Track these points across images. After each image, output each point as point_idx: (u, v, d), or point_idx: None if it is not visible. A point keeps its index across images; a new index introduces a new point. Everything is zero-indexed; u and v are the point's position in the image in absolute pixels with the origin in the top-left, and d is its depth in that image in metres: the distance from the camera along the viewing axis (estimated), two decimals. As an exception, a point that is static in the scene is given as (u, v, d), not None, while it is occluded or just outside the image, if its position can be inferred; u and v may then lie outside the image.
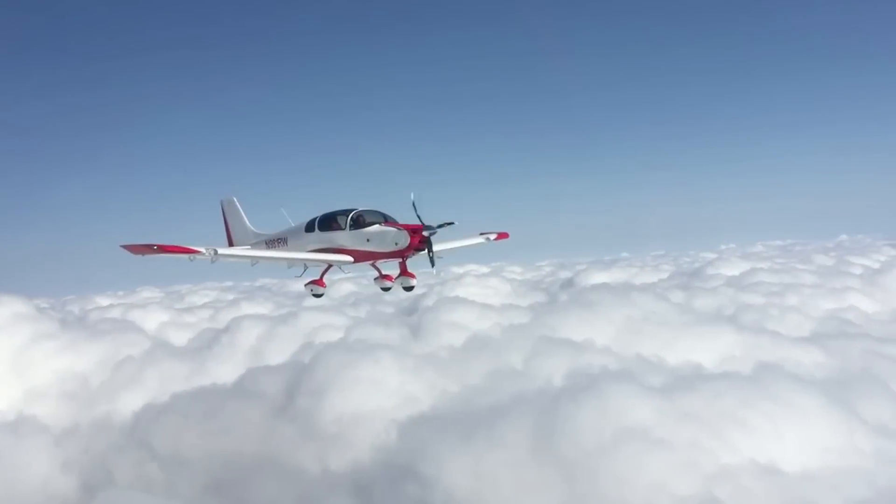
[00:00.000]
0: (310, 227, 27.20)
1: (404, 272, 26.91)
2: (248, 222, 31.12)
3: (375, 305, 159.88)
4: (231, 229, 31.51)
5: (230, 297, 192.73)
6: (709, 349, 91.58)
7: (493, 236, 30.87)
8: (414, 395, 78.45)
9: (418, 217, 24.41)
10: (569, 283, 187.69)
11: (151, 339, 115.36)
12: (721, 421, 58.74)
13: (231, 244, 31.28)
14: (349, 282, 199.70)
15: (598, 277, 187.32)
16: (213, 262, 24.43)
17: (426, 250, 24.94)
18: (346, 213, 26.28)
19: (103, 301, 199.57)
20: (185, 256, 23.42)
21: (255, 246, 29.83)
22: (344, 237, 26.12)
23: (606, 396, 61.18)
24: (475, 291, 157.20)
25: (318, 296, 27.88)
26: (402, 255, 25.78)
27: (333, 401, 77.36)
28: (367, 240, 25.62)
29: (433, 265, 25.41)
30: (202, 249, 23.65)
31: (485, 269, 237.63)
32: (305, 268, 27.67)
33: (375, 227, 25.55)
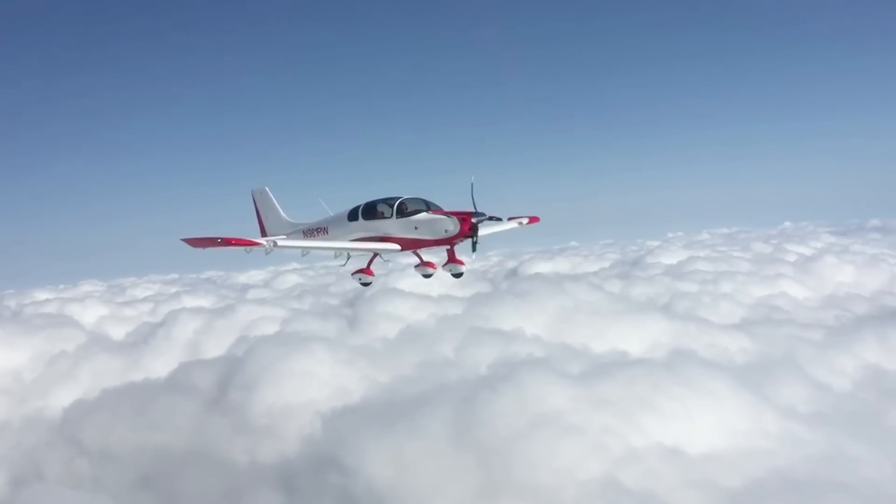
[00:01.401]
0: (353, 216, 26.87)
1: (453, 259, 26.68)
2: (282, 212, 30.74)
3: (320, 297, 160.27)
4: (264, 219, 31.06)
5: (173, 289, 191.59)
6: (637, 337, 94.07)
7: (525, 220, 30.31)
8: (345, 386, 79.41)
9: (473, 202, 24.41)
10: (513, 273, 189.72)
11: (88, 333, 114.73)
12: (634, 406, 60.76)
13: (263, 234, 30.98)
14: (295, 273, 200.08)
15: (543, 267, 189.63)
16: (267, 253, 24.40)
17: (472, 237, 24.84)
18: (391, 200, 26.08)
19: (41, 295, 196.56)
20: (243, 248, 23.48)
21: (290, 235, 29.57)
22: (391, 225, 25.83)
23: (525, 384, 62.88)
24: (419, 282, 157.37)
25: (366, 284, 27.83)
26: (450, 242, 25.53)
27: (265, 394, 78.01)
28: (416, 227, 25.40)
29: (475, 251, 25.25)
30: (263, 241, 23.77)
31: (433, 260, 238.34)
32: (349, 256, 27.43)
33: (423, 215, 25.32)
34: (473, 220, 24.31)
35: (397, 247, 25.90)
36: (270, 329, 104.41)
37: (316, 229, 28.34)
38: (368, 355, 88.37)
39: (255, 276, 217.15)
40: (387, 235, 25.86)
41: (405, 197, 25.86)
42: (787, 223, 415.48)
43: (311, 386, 78.80)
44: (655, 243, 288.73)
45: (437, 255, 27.40)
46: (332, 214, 28.07)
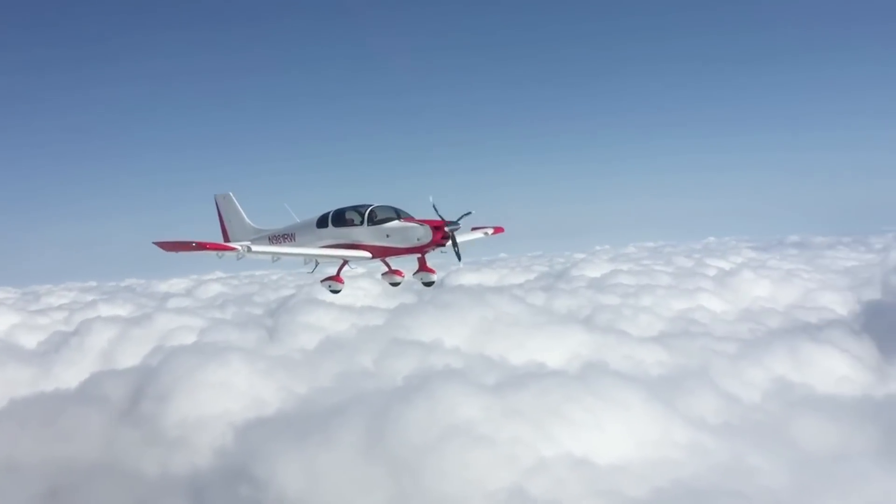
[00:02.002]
0: (322, 223, 26.46)
1: (424, 268, 26.55)
2: (246, 218, 30.15)
3: (243, 307, 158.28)
4: (227, 225, 30.44)
5: (90, 297, 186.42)
6: (556, 349, 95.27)
7: (490, 231, 29.98)
8: (261, 397, 78.59)
9: (439, 216, 24.24)
10: (440, 284, 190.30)
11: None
12: (546, 417, 61.69)
13: (226, 240, 30.15)
14: (218, 283, 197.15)
15: (469, 279, 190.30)
16: (239, 258, 24.07)
17: (452, 245, 24.69)
18: (361, 208, 25.83)
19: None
20: (214, 253, 23.33)
21: (255, 241, 28.47)
22: (361, 233, 25.53)
23: (439, 395, 63.25)
24: (344, 293, 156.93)
25: (336, 291, 27.68)
26: (421, 250, 25.37)
27: (178, 405, 76.69)
28: (387, 235, 25.16)
29: (460, 259, 25.09)
30: (238, 246, 23.69)
31: (360, 271, 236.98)
32: (317, 263, 27.10)
33: (395, 223, 25.06)
34: (447, 230, 24.27)
35: (368, 254, 25.70)
36: (188, 339, 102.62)
37: (282, 235, 27.88)
38: (287, 366, 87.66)
39: (176, 284, 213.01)
40: (357, 243, 25.66)
41: (376, 204, 25.72)
42: (712, 238, 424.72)
43: (226, 397, 77.69)
44: (582, 256, 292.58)
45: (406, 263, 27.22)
46: (298, 221, 27.65)
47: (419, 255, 25.92)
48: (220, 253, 23.35)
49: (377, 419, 62.05)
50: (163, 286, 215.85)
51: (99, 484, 68.75)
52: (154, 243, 22.81)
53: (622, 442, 61.13)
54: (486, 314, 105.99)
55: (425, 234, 24.52)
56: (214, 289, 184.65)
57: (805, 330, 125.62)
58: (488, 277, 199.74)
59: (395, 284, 27.54)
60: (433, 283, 27.07)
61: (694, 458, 60.41)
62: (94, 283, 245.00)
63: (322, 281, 27.33)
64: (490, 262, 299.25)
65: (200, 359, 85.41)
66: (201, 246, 22.65)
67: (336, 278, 27.01)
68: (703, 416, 75.84)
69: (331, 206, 26.90)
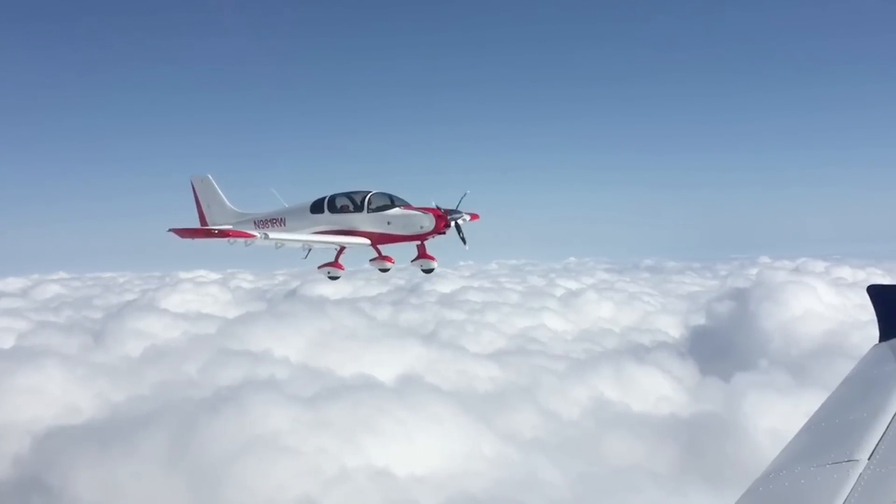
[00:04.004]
0: (317, 209, 26.09)
1: (424, 255, 26.19)
2: (227, 202, 28.95)
3: (81, 310, 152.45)
4: (205, 209, 29.02)
5: None
6: (389, 363, 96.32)
7: (467, 217, 28.91)
8: (75, 405, 76.22)
9: (436, 206, 24.78)
10: (292, 294, 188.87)
11: None
12: (355, 429, 62.56)
13: (204, 225, 28.86)
14: (58, 284, 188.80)
15: (323, 290, 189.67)
16: (247, 245, 24.26)
17: (457, 232, 24.90)
18: (360, 194, 25.67)
19: None
20: (225, 240, 23.84)
21: (238, 226, 27.57)
22: (361, 219, 25.43)
23: (250, 406, 63.17)
24: (189, 299, 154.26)
25: (335, 278, 27.12)
26: (422, 238, 25.31)
27: (-18, 411, 73.26)
28: (388, 222, 25.12)
29: (465, 243, 25.27)
30: (257, 234, 23.94)
31: (214, 276, 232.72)
32: (310, 249, 26.47)
33: (397, 210, 25.04)
34: (450, 219, 24.58)
35: (367, 241, 25.71)
36: (6, 342, 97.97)
37: (270, 220, 27.24)
38: (108, 373, 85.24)
39: (12, 283, 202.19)
40: (354, 229, 25.60)
41: (374, 191, 25.72)
42: (572, 258, 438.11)
43: (36, 404, 74.81)
44: (445, 270, 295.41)
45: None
46: (286, 206, 27.24)
47: (418, 243, 25.98)
48: (232, 240, 23.78)
49: (186, 429, 61.36)
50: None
51: None
52: (170, 230, 23.26)
53: (428, 454, 62.72)
54: (323, 326, 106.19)
55: (429, 222, 24.70)
56: (52, 290, 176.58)
57: (636, 351, 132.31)
58: (343, 289, 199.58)
59: (384, 270, 27.43)
60: (433, 269, 27.06)
61: (494, 471, 62.62)
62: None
63: (320, 267, 26.86)
64: (353, 272, 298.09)
65: (12, 363, 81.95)
66: (223, 234, 23.42)
67: (335, 264, 26.62)
68: (517, 432, 78.77)
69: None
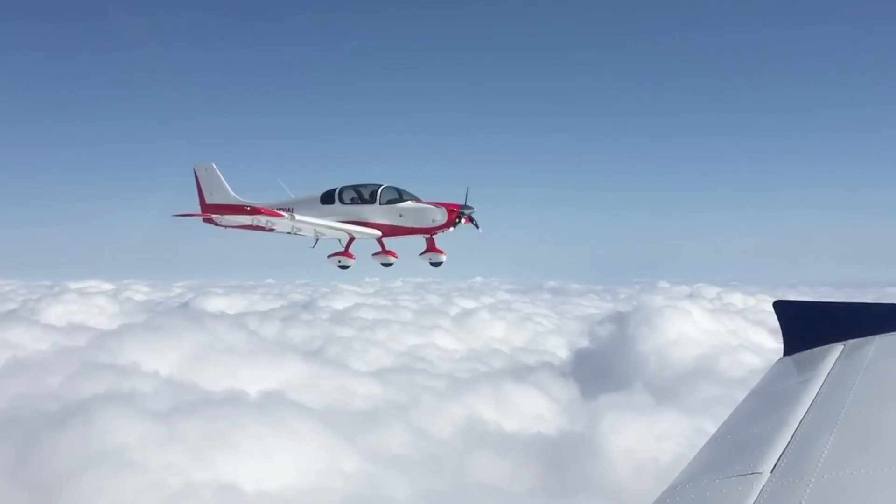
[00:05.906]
0: (327, 199, 26.51)
1: (433, 248, 26.67)
2: (231, 191, 28.46)
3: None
4: (208, 199, 28.38)
5: None
6: (265, 379, 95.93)
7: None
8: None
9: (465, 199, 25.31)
10: (184, 307, 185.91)
11: None
12: (208, 444, 62.31)
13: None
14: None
15: (215, 304, 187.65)
16: (268, 227, 24.82)
17: (473, 224, 25.54)
18: (371, 186, 26.16)
19: None
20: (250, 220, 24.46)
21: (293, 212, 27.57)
22: (374, 211, 25.90)
23: (99, 420, 62.26)
24: (72, 309, 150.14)
25: (345, 267, 27.13)
26: (432, 231, 25.75)
27: None
28: (400, 215, 25.62)
29: (478, 227, 25.79)
30: (285, 215, 24.53)
31: (107, 286, 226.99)
32: (317, 240, 26.67)
33: (409, 204, 25.56)
34: (464, 213, 25.24)
35: (378, 233, 26.20)
36: None
37: (279, 210, 26.98)
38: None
39: None
40: (366, 221, 26.09)
41: (386, 184, 26.29)
42: (479, 277, 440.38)
43: None
44: (350, 287, 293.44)
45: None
46: (293, 196, 27.37)
47: (428, 237, 26.53)
48: (269, 221, 24.63)
49: (28, 443, 60.08)
50: None
51: None
52: (197, 214, 24.67)
53: (282, 470, 62.96)
54: (201, 340, 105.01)
55: (441, 217, 25.28)
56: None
57: (519, 371, 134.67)
58: (236, 303, 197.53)
59: (387, 265, 27.73)
60: (441, 263, 27.42)
61: (348, 487, 63.31)
62: None
63: (329, 256, 27.12)
64: (254, 287, 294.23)
65: None
66: (255, 211, 24.25)
67: (346, 253, 26.97)
68: (384, 449, 79.43)
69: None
